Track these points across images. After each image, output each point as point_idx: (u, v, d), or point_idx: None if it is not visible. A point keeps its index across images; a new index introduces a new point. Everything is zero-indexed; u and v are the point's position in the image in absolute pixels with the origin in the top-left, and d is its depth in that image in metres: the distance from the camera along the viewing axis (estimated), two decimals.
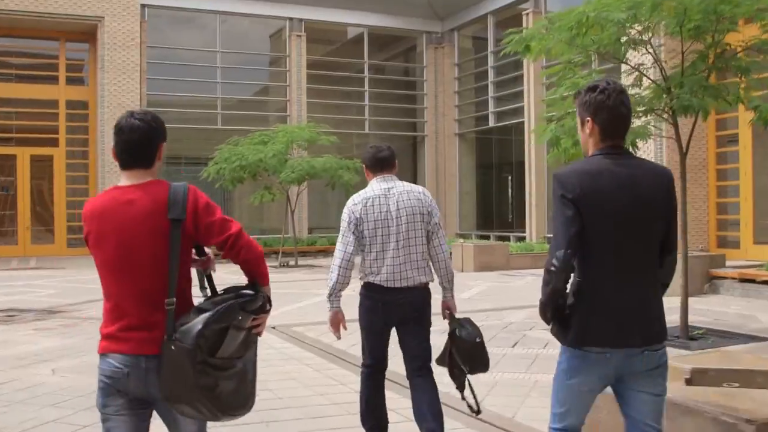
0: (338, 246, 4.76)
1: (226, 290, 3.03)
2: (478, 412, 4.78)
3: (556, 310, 3.12)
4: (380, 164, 4.88)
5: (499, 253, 17.97)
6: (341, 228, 4.79)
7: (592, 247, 3.03)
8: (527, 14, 24.49)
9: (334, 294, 4.73)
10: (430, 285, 4.86)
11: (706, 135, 18.63)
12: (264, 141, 19.07)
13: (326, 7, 27.05)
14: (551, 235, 3.33)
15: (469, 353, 4.68)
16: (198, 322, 2.85)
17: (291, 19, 26.80)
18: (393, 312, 4.72)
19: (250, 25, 27.21)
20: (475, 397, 4.73)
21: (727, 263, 14.21)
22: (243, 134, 20.67)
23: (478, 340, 4.71)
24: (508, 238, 25.32)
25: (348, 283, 4.75)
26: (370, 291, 4.76)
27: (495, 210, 29.25)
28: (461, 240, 23.12)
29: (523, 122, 24.69)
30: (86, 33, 24.19)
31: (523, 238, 24.27)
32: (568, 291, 3.12)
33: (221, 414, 2.95)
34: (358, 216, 4.71)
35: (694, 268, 12.52)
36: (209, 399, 2.88)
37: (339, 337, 4.88)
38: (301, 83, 26.66)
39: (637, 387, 3.11)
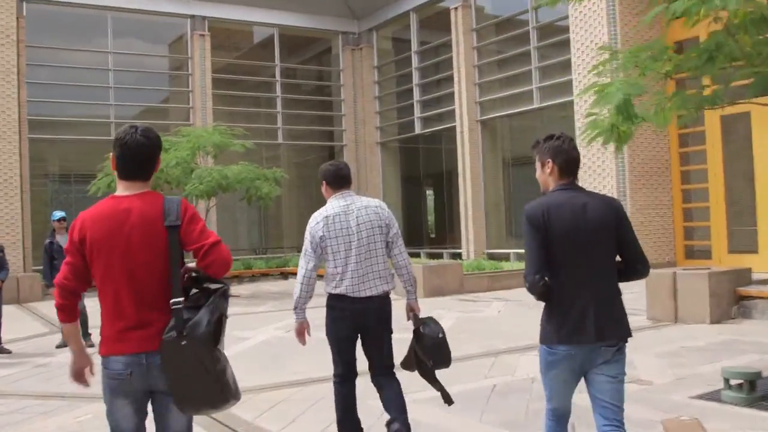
0: (301, 263, 5.05)
1: (194, 287, 3.27)
2: (450, 401, 5.09)
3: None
4: (341, 182, 5.09)
5: (451, 275, 15.39)
6: (304, 246, 5.03)
7: (556, 263, 3.74)
8: (455, 9, 22.38)
9: (299, 307, 5.05)
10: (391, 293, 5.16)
11: (667, 133, 16.78)
12: (165, 148, 16.07)
13: (232, 4, 24.35)
14: (525, 258, 3.85)
15: (432, 348, 5.00)
16: (203, 315, 3.15)
17: (193, 16, 23.97)
18: (358, 320, 4.96)
19: (147, 24, 24.15)
20: (443, 389, 5.08)
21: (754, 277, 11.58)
22: None
23: (440, 335, 5.03)
24: (440, 255, 23.07)
25: (311, 297, 5.04)
26: (336, 301, 4.98)
27: (424, 225, 27.00)
28: None
29: (454, 127, 22.55)
30: None
31: (458, 255, 22.07)
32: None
33: (232, 399, 3.24)
34: (321, 234, 4.95)
35: (717, 287, 10.36)
36: (222, 385, 3.19)
37: (304, 343, 5.11)
38: (206, 89, 23.82)
39: (598, 371, 3.77)
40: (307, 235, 4.99)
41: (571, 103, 18.14)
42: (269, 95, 25.97)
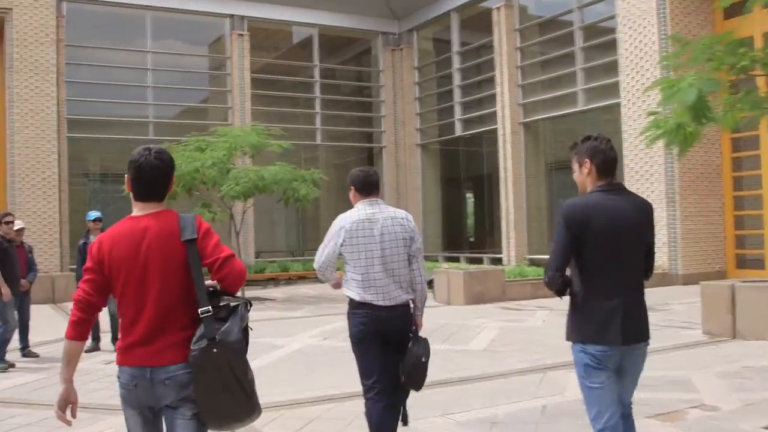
0: (319, 250, 5.01)
1: (213, 300, 3.28)
2: (405, 423, 5.03)
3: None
4: (369, 188, 5.05)
5: (493, 281, 14.76)
6: (326, 238, 5.00)
7: (591, 264, 3.78)
8: (498, 9, 21.86)
9: (328, 276, 5.06)
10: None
11: (718, 137, 16.11)
12: (201, 148, 15.77)
13: (272, 3, 24.08)
14: (550, 253, 3.86)
15: (410, 367, 4.86)
16: (233, 324, 3.20)
17: (232, 16, 23.76)
18: (381, 327, 4.86)
19: (186, 23, 23.97)
20: (404, 409, 5.03)
21: None
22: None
23: (423, 359, 4.87)
24: (480, 260, 22.56)
25: (332, 273, 5.05)
26: (359, 308, 4.90)
27: (464, 229, 26.49)
28: (444, 265, 20.18)
29: (495, 129, 22.03)
30: None
31: (498, 260, 21.54)
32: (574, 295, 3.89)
33: (257, 411, 3.27)
34: (343, 236, 4.90)
35: None
36: (250, 396, 3.21)
37: (340, 286, 5.09)
38: (245, 89, 23.60)
39: (625, 373, 3.86)
40: (329, 233, 4.99)
41: (618, 105, 17.56)
42: (308, 96, 25.65)
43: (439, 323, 11.68)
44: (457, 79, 24.32)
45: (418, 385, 4.94)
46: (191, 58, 24.49)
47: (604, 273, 3.77)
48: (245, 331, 3.27)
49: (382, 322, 4.84)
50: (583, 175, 3.94)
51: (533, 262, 19.77)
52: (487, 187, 24.17)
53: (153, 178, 3.34)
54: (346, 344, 4.99)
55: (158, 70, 23.01)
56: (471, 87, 24.33)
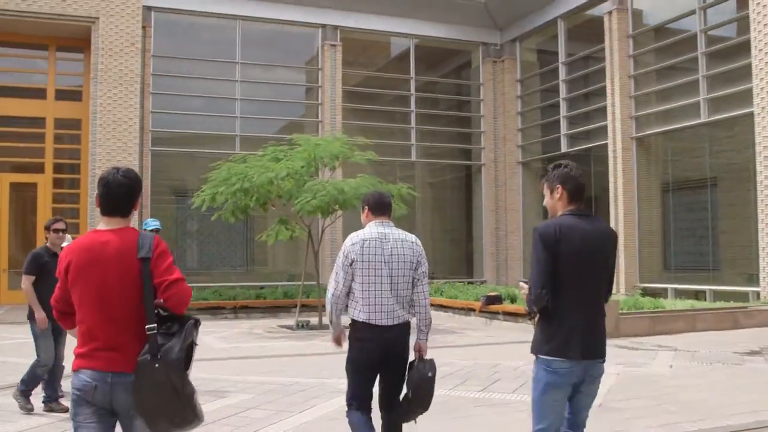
0: (330, 283, 5.11)
1: (161, 319, 3.48)
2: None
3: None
4: (383, 209, 5.20)
5: (606, 314, 12.75)
6: (337, 264, 5.09)
7: (560, 282, 3.96)
8: (609, 14, 19.97)
9: (335, 320, 5.15)
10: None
11: None
12: (277, 158, 14.45)
13: (366, 13, 22.83)
14: (532, 273, 4.03)
15: (416, 385, 4.98)
16: (176, 342, 3.42)
17: (324, 26, 22.64)
18: (381, 347, 5.00)
19: (277, 33, 22.98)
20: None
21: None
22: None
23: (430, 374, 5.01)
24: None
25: (343, 310, 5.09)
26: (359, 330, 5.01)
27: None
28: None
29: (605, 145, 20.08)
30: (80, 39, 20.25)
31: None
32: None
33: (198, 420, 3.48)
34: (353, 257, 5.01)
35: None
36: (192, 407, 3.45)
37: (342, 347, 5.24)
38: (336, 102, 22.41)
39: (581, 389, 4.05)
40: (340, 254, 5.08)
41: (750, 115, 15.41)
42: (403, 110, 24.24)
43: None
44: (563, 92, 22.44)
45: (426, 403, 5.04)
46: (281, 69, 23.43)
47: (572, 291, 3.95)
48: (189, 347, 3.47)
49: (384, 342, 4.98)
50: (554, 200, 4.18)
51: (647, 292, 17.65)
52: (594, 208, 22.11)
53: (118, 195, 3.57)
54: None
55: (247, 82, 22.07)
56: (578, 100, 22.43)
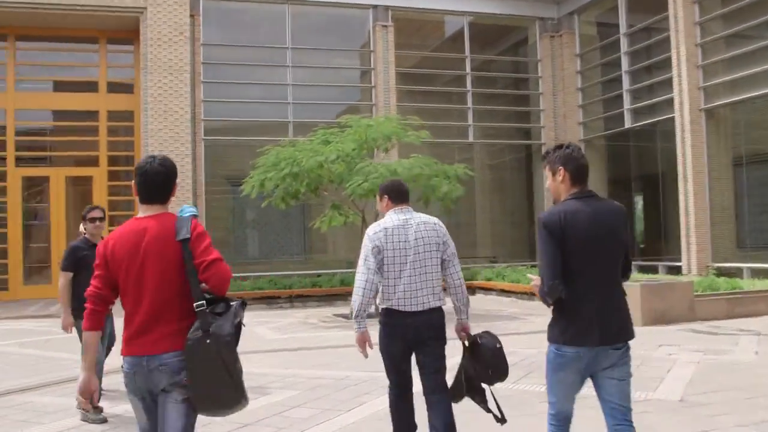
0: (361, 270, 4.98)
1: (206, 301, 3.55)
2: (504, 420, 4.93)
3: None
4: (402, 197, 5.20)
5: (679, 296, 11.88)
6: (363, 254, 5.00)
7: (570, 269, 3.84)
8: None
9: (360, 316, 4.96)
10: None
11: None
12: (328, 141, 13.97)
13: None
14: (541, 264, 3.94)
15: (491, 359, 4.89)
16: (227, 318, 3.48)
17: (375, 6, 22.06)
18: (410, 334, 4.95)
19: (327, 16, 22.50)
20: (499, 407, 4.94)
21: None
22: None
23: (498, 345, 4.95)
24: (653, 269, 19.64)
25: (371, 305, 4.99)
26: (388, 317, 5.01)
27: (636, 233, 23.48)
28: None
29: (672, 118, 19.12)
30: (129, 30, 20.10)
31: (676, 269, 18.60)
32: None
33: (245, 401, 3.53)
34: (379, 244, 4.95)
35: None
36: (241, 386, 3.48)
37: (366, 356, 5.11)
38: (389, 84, 21.84)
39: (606, 374, 3.92)
40: (366, 242, 5.02)
41: None
42: (459, 90, 23.54)
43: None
44: (625, 65, 21.46)
45: (505, 372, 4.97)
46: (333, 53, 22.90)
47: (584, 277, 3.86)
48: (238, 327, 3.51)
49: (409, 330, 4.94)
50: (556, 182, 4.06)
51: (721, 272, 16.70)
52: (662, 185, 21.15)
53: (155, 182, 3.67)
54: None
55: (298, 67, 21.63)
56: (641, 72, 21.42)
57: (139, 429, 3.67)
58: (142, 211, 3.68)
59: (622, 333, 3.91)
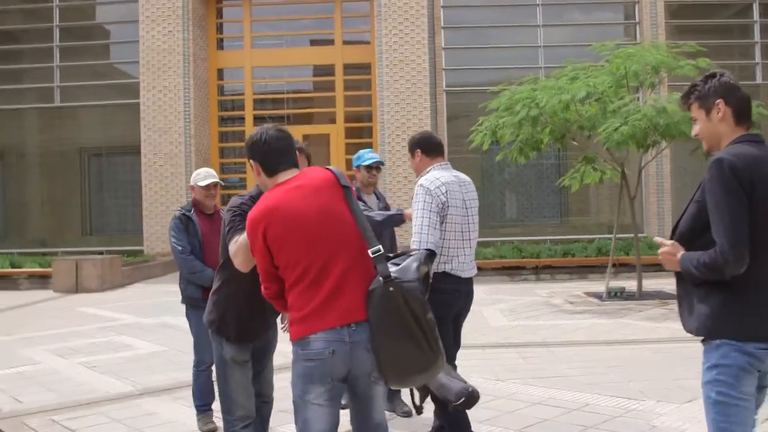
0: (426, 227, 4.33)
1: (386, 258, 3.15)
2: (420, 411, 4.20)
3: None
4: (437, 149, 4.70)
5: None
6: (423, 210, 4.38)
7: (756, 237, 2.83)
8: None
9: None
10: None
11: None
12: (573, 77, 11.10)
13: None
14: (718, 222, 2.83)
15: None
16: (411, 263, 3.07)
17: None
18: (462, 301, 4.59)
19: None
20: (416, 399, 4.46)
21: None
22: None
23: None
24: None
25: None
26: (445, 282, 4.40)
27: None
28: None
29: None
30: None
31: None
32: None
33: (441, 359, 3.07)
34: (444, 200, 4.41)
35: None
36: (435, 339, 3.03)
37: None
38: (657, 19, 18.85)
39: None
40: (424, 198, 4.39)
41: None
42: (744, 22, 19.69)
43: None
44: None
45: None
46: None
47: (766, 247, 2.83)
48: (426, 277, 3.13)
49: (462, 296, 4.54)
50: (713, 123, 3.01)
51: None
52: None
53: (281, 147, 3.30)
54: None
55: (549, 5, 19.06)
56: None
57: None
58: (284, 177, 3.27)
59: None
